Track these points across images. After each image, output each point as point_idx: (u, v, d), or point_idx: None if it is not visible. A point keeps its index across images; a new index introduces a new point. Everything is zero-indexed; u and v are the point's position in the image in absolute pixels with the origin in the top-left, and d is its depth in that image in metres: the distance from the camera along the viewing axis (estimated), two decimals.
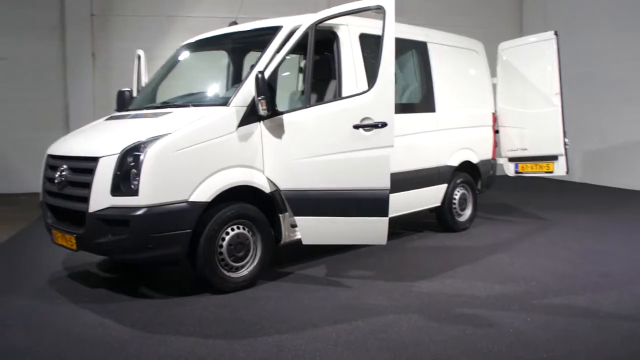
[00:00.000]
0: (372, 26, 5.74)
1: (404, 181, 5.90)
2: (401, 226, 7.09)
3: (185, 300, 4.31)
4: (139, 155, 4.03)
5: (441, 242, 6.31)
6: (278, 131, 4.53)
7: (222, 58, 6.14)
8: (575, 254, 5.64)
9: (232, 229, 4.45)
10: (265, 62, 4.58)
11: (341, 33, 5.26)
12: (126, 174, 4.05)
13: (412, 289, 4.54)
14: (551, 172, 7.01)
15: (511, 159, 7.37)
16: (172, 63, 5.76)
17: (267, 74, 4.47)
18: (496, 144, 7.41)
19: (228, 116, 4.41)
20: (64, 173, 4.44)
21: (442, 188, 6.51)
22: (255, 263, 4.60)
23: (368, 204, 4.38)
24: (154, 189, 4.04)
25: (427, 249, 6.03)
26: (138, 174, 4.00)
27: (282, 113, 4.53)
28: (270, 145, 4.55)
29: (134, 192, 4.01)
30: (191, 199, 4.17)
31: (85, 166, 4.24)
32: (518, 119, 7.20)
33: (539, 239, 6.37)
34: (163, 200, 4.07)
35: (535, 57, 6.97)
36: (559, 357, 3.23)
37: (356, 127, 4.33)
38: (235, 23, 5.70)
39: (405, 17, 12.76)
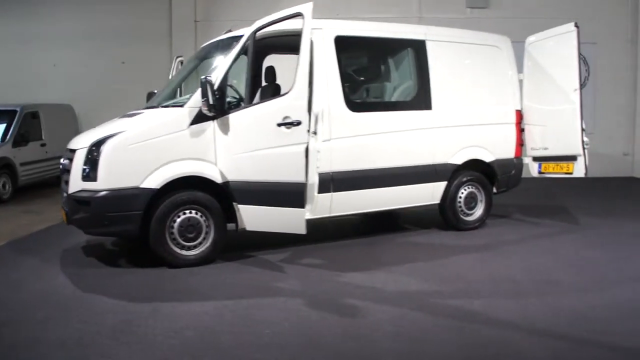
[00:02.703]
0: (350, 28, 6.04)
1: (392, 177, 6.08)
2: (408, 222, 7.24)
3: (141, 270, 5.14)
4: (99, 148, 4.93)
5: (432, 239, 6.32)
6: (225, 129, 5.12)
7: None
8: (552, 261, 5.33)
9: (184, 213, 5.15)
10: (219, 68, 5.19)
11: (314, 37, 5.64)
12: (91, 163, 4.97)
13: (334, 278, 4.83)
14: (571, 174, 6.54)
15: (535, 159, 7.00)
16: (186, 68, 6.59)
17: (218, 79, 5.09)
18: (522, 143, 7.09)
19: (180, 116, 5.11)
20: (64, 162, 5.52)
21: (440, 186, 6.48)
22: (207, 244, 5.24)
23: (288, 195, 4.80)
24: (109, 176, 4.91)
25: (407, 244, 6.12)
26: (98, 164, 4.90)
27: (229, 113, 5.11)
28: (220, 141, 5.15)
29: (95, 179, 4.91)
30: (142, 186, 4.95)
31: (70, 156, 5.26)
32: (540, 116, 6.82)
33: (540, 243, 6.06)
34: (117, 185, 4.91)
35: (557, 51, 6.54)
36: (380, 352, 3.37)
37: (279, 125, 4.77)
38: (230, 31, 6.34)
39: (511, 10, 12.24)
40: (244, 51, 5.13)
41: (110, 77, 12.40)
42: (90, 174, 4.97)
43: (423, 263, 5.30)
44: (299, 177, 4.73)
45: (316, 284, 4.67)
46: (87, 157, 5.00)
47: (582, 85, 11.80)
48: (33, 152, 10.06)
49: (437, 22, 11.41)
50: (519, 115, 6.97)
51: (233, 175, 5.11)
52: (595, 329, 3.60)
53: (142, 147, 4.97)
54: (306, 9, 4.73)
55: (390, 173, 6.07)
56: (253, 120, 4.99)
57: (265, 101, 5.07)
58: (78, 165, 5.07)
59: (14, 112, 9.81)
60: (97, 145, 4.97)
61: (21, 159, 9.64)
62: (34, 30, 12.36)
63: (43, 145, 10.43)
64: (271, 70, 6.96)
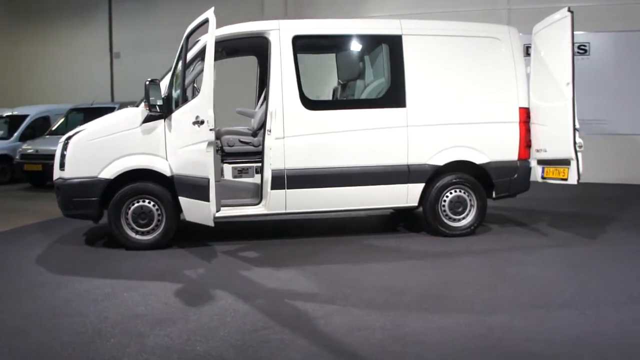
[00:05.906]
0: (311, 27, 6.12)
1: (355, 176, 6.01)
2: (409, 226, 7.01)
3: (104, 250, 5.92)
4: (68, 142, 5.77)
5: (402, 243, 6.09)
6: (170, 127, 5.62)
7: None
8: (485, 277, 4.81)
9: (138, 202, 5.75)
10: (168, 73, 5.71)
11: (272, 37, 5.90)
12: (64, 154, 5.83)
13: (241, 271, 5.03)
14: (566, 180, 5.74)
15: (540, 162, 6.25)
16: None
17: (165, 82, 5.61)
18: (530, 144, 6.36)
19: (134, 115, 5.73)
20: None
21: (417, 187, 6.16)
22: (159, 231, 5.79)
23: (199, 190, 5.12)
24: (73, 167, 5.73)
25: (364, 246, 5.97)
26: (66, 156, 5.74)
27: (173, 112, 5.59)
28: (168, 137, 5.66)
29: (64, 169, 5.77)
30: (99, 176, 5.67)
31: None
32: (542, 114, 6.07)
33: (508, 257, 5.46)
34: (79, 175, 5.71)
35: (554, 41, 5.78)
36: (160, 343, 3.54)
37: (194, 123, 5.11)
38: None
39: None
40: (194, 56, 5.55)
41: None
42: (62, 164, 5.84)
43: (342, 265, 5.19)
44: (204, 173, 5.02)
45: (215, 275, 4.94)
46: (61, 149, 5.88)
47: None
48: None
49: (527, 13, 10.54)
50: (524, 113, 6.27)
51: (175, 169, 5.58)
52: (406, 353, 3.31)
53: (99, 142, 5.70)
54: (210, 14, 4.98)
55: (352, 172, 5.98)
56: (181, 119, 5.41)
57: (188, 102, 5.43)
58: (57, 156, 5.97)
59: (113, 108, 11.44)
60: (68, 140, 5.82)
61: None
62: (152, 35, 14.11)
63: None
64: None
